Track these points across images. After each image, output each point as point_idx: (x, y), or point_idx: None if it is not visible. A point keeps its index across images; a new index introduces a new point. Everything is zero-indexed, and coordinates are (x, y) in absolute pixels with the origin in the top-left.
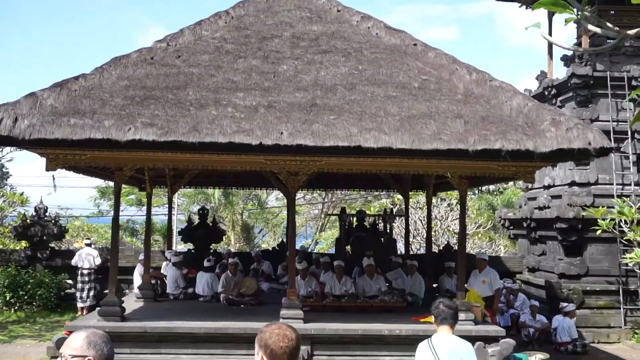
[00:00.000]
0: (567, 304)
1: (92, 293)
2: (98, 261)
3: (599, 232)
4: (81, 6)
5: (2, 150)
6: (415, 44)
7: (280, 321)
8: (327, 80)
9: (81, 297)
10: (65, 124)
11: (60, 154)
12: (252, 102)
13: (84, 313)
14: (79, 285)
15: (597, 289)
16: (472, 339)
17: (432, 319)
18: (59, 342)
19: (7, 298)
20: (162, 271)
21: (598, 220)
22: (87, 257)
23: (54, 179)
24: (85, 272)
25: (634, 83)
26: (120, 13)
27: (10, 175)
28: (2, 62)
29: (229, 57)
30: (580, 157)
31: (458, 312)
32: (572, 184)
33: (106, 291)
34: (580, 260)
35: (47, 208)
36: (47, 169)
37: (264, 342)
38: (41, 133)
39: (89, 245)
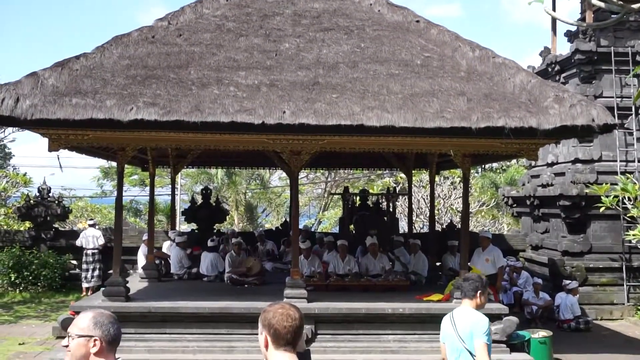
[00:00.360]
0: (570, 281)
1: (96, 273)
2: (101, 241)
3: (602, 209)
4: None
5: (4, 131)
6: (417, 21)
7: (284, 300)
8: (329, 59)
9: (86, 278)
10: (67, 103)
11: (63, 134)
12: (254, 80)
13: (89, 293)
14: (84, 266)
15: (600, 266)
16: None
17: (434, 297)
18: (64, 322)
19: (12, 279)
20: (163, 251)
21: (601, 197)
22: (91, 238)
23: (59, 159)
24: (89, 252)
25: (638, 58)
26: None
27: (13, 155)
28: (2, 42)
29: (230, 36)
30: (584, 133)
31: (480, 284)
32: (576, 161)
33: (110, 271)
34: (583, 237)
35: (50, 189)
36: (50, 150)
37: (268, 322)
38: (43, 113)
39: (92, 225)
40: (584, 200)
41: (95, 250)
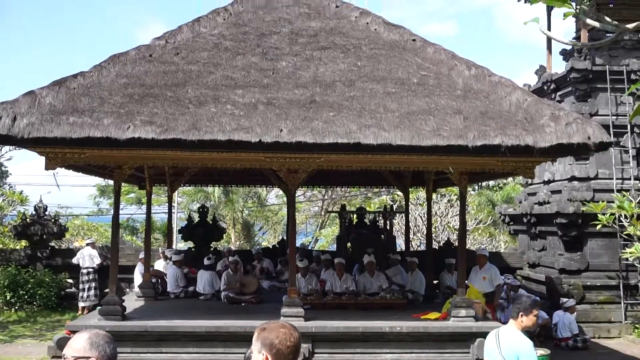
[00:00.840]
0: (567, 299)
1: (92, 292)
2: (98, 261)
3: (599, 227)
4: (78, 2)
5: (1, 149)
6: (414, 40)
7: (282, 319)
8: (326, 77)
9: (82, 297)
10: (64, 122)
11: (60, 152)
12: (251, 99)
13: (85, 312)
14: (80, 285)
15: (598, 284)
16: (472, 335)
17: (432, 315)
18: (60, 342)
19: (8, 298)
20: (155, 268)
21: (598, 215)
22: (87, 257)
23: (55, 177)
24: (85, 271)
25: (633, 77)
26: (118, 9)
27: (10, 174)
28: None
29: (227, 54)
30: (580, 151)
31: (523, 306)
32: (572, 178)
33: (107, 290)
34: (580, 255)
35: (46, 207)
36: (47, 168)
37: (269, 342)
38: (40, 132)
39: (90, 244)
40: (580, 218)
41: (91, 269)
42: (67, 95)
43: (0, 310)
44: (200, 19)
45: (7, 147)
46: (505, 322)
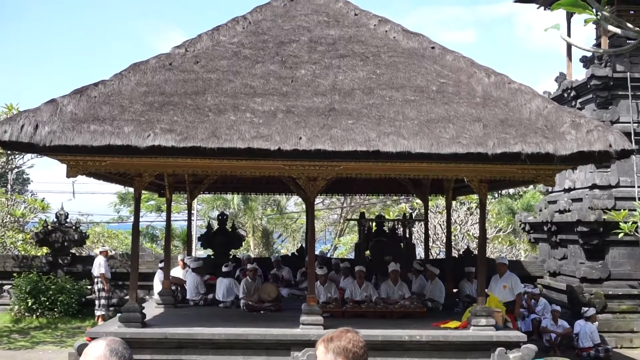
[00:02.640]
0: (588, 308)
1: (102, 302)
2: (102, 270)
3: (620, 235)
4: (100, 13)
5: (22, 157)
6: (432, 47)
7: (301, 327)
8: (345, 85)
9: (96, 305)
10: (85, 130)
11: (81, 160)
12: (271, 107)
13: (100, 321)
14: (95, 294)
15: (620, 293)
16: (493, 344)
17: (452, 324)
18: (81, 348)
19: (29, 304)
20: (174, 276)
21: (620, 223)
22: (97, 266)
23: (73, 185)
24: (95, 280)
25: None
26: (138, 19)
27: (31, 181)
28: (23, 70)
29: (246, 62)
30: (601, 159)
31: None
32: (593, 186)
33: (114, 300)
34: (602, 264)
35: (67, 214)
36: (68, 176)
37: (343, 347)
38: (61, 140)
39: (102, 252)
40: (602, 227)
41: (98, 278)
42: (88, 104)
43: (21, 317)
44: (219, 28)
45: (29, 155)
46: (525, 331)
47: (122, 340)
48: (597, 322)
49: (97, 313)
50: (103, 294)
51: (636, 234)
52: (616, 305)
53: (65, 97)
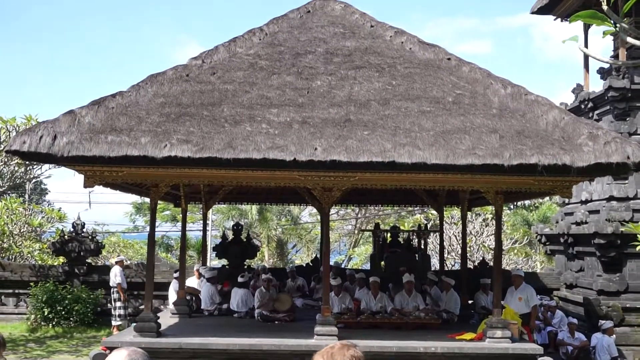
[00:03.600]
0: (605, 321)
1: (116, 312)
2: (118, 280)
3: (638, 247)
4: (118, 24)
5: (40, 167)
6: (449, 58)
7: (315, 338)
8: (361, 96)
9: (113, 315)
10: (102, 141)
11: (98, 170)
12: (286, 118)
13: (114, 331)
14: (111, 304)
15: (638, 306)
16: (509, 357)
17: (467, 336)
18: (96, 358)
19: (45, 313)
20: (189, 286)
21: (637, 235)
22: (112, 276)
23: (89, 196)
24: (112, 290)
25: None
26: (155, 30)
27: (49, 191)
28: (42, 81)
29: (263, 74)
30: (619, 171)
31: None
32: (610, 198)
33: (130, 310)
34: (619, 276)
35: (84, 224)
36: (85, 186)
37: None
38: (79, 150)
39: (118, 262)
40: (619, 239)
41: (114, 288)
42: (105, 115)
43: (38, 326)
44: (236, 39)
45: (46, 165)
46: (541, 344)
47: (143, 351)
48: (614, 335)
49: (114, 323)
50: (119, 303)
51: None
52: (634, 319)
53: (83, 108)
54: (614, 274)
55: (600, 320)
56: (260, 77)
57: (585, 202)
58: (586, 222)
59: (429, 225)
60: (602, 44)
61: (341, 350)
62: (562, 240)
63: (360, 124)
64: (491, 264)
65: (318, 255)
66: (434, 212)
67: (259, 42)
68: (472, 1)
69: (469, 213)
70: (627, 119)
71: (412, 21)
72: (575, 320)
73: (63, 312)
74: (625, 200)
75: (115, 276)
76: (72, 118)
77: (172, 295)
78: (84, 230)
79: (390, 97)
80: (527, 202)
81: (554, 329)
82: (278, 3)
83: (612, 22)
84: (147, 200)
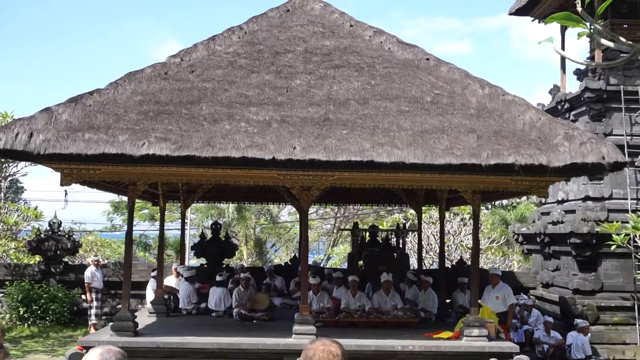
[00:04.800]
0: (581, 320)
1: (92, 312)
2: (87, 280)
3: (613, 247)
4: (94, 18)
5: (16, 165)
6: (427, 59)
7: (293, 337)
8: (340, 95)
9: (89, 314)
10: (79, 138)
11: (75, 168)
12: (265, 116)
13: (91, 330)
14: (87, 303)
15: (612, 305)
16: (485, 355)
17: (444, 334)
18: (72, 357)
19: (21, 312)
20: (167, 285)
21: (612, 235)
22: (89, 275)
23: (66, 194)
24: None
25: None
26: (134, 26)
27: (25, 189)
28: (15, 77)
29: (242, 72)
30: (594, 171)
31: None
32: (586, 198)
33: (107, 309)
34: (594, 275)
35: (60, 223)
36: (62, 184)
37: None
38: (56, 148)
39: (93, 262)
40: (594, 238)
41: (93, 288)
42: (82, 112)
43: (13, 325)
44: (215, 37)
45: (22, 163)
46: (518, 342)
47: (119, 350)
48: (589, 334)
49: (90, 322)
50: (95, 303)
51: (629, 246)
52: (608, 317)
53: (60, 106)
54: (589, 273)
55: (575, 319)
56: (240, 75)
57: (562, 201)
58: (562, 222)
59: (407, 225)
60: (579, 45)
61: (315, 344)
62: (538, 239)
63: (339, 123)
64: (469, 263)
65: (297, 255)
66: (412, 211)
67: (238, 41)
68: (451, 1)
69: (447, 213)
70: (603, 119)
71: (391, 20)
72: (551, 319)
73: (39, 312)
74: (601, 200)
75: (86, 276)
76: (48, 115)
77: (150, 295)
78: (61, 229)
79: (369, 96)
80: (504, 201)
81: (530, 328)
82: (258, 1)
83: (587, 24)
84: (125, 198)
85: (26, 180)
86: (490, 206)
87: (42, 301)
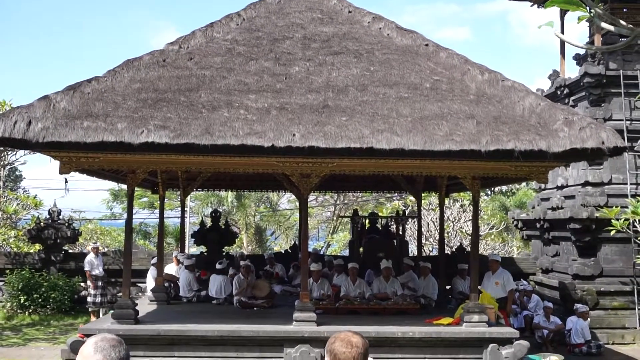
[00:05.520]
0: (580, 305)
1: (91, 299)
2: (86, 267)
3: (613, 232)
4: (93, 7)
5: (15, 154)
6: (426, 45)
7: (294, 324)
8: (339, 82)
9: (88, 302)
10: (78, 127)
11: (74, 156)
12: (264, 104)
13: (92, 318)
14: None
15: (612, 290)
16: (485, 340)
17: (444, 320)
18: (73, 345)
19: (22, 301)
20: (167, 272)
21: (612, 220)
22: (87, 262)
23: (66, 182)
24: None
25: None
26: (133, 14)
27: (24, 178)
28: (15, 65)
29: (240, 59)
30: (594, 156)
31: None
32: (586, 184)
33: (108, 297)
34: (594, 260)
35: (60, 211)
36: (61, 172)
37: (329, 348)
38: (54, 136)
39: (93, 249)
40: (594, 224)
41: (93, 275)
42: (81, 100)
43: (14, 314)
44: (213, 25)
45: (21, 152)
46: (518, 328)
47: (114, 337)
48: (589, 319)
49: (90, 309)
50: (92, 290)
51: (628, 230)
52: (608, 302)
53: (59, 94)
54: (589, 259)
55: (575, 304)
56: (238, 62)
57: (561, 187)
58: (562, 208)
59: (407, 212)
60: (578, 30)
61: (339, 334)
62: (538, 225)
63: (339, 110)
64: (468, 249)
65: (297, 242)
66: (412, 198)
67: (237, 28)
68: None
69: (446, 199)
70: (602, 104)
71: (390, 7)
72: (550, 305)
73: (40, 300)
74: (600, 185)
75: (87, 263)
76: (47, 103)
77: (150, 282)
78: (60, 217)
79: (368, 83)
80: (504, 187)
81: (530, 313)
82: None
83: (586, 7)
84: (125, 187)
85: (25, 169)
86: (489, 192)
87: (43, 289)
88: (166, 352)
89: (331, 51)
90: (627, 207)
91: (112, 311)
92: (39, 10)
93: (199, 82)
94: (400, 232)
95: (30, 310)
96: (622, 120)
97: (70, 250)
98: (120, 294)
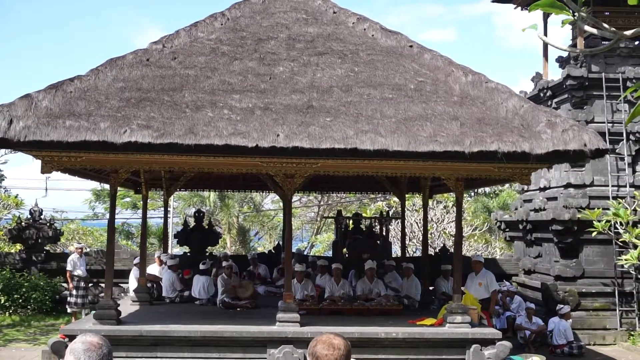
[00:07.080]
0: (562, 306)
1: (72, 300)
2: (69, 267)
3: (594, 233)
4: (76, 4)
5: None
6: (411, 46)
7: (277, 324)
8: (323, 82)
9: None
10: (60, 125)
11: (56, 156)
12: (248, 104)
13: (73, 319)
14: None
15: (593, 291)
16: (468, 341)
17: (428, 321)
18: (54, 346)
19: (2, 301)
20: (150, 273)
21: (594, 222)
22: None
23: (46, 182)
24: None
25: (628, 84)
26: (116, 13)
27: (5, 177)
28: None
29: (224, 59)
30: (576, 158)
31: None
32: (568, 185)
33: (89, 298)
34: (576, 262)
35: (42, 211)
36: (43, 172)
37: (311, 351)
38: (36, 135)
39: (77, 249)
40: (576, 225)
41: (75, 276)
42: (63, 99)
43: None
44: (197, 24)
45: (2, 151)
46: (500, 329)
47: (91, 340)
48: (570, 320)
49: (69, 310)
50: (74, 291)
51: (609, 232)
52: (589, 303)
53: (40, 92)
54: (571, 260)
55: (557, 305)
56: (222, 62)
57: (544, 189)
58: (544, 209)
59: (390, 213)
60: (561, 33)
61: (321, 336)
62: (521, 226)
63: (323, 110)
64: (452, 250)
65: (280, 243)
66: (395, 199)
67: (221, 27)
68: None
69: (430, 200)
70: (585, 107)
71: (375, 7)
72: (532, 306)
73: (20, 300)
74: (582, 187)
75: (69, 263)
76: (28, 102)
77: (133, 283)
78: (42, 217)
79: (352, 83)
80: (487, 189)
81: (512, 314)
82: None
83: (570, 10)
84: (107, 186)
85: (6, 168)
86: (473, 194)
87: (24, 290)
88: (149, 353)
89: (316, 52)
90: (608, 209)
91: (93, 312)
92: (20, 8)
93: (182, 81)
94: (384, 233)
95: (11, 311)
96: (604, 122)
97: (51, 251)
98: (102, 295)
